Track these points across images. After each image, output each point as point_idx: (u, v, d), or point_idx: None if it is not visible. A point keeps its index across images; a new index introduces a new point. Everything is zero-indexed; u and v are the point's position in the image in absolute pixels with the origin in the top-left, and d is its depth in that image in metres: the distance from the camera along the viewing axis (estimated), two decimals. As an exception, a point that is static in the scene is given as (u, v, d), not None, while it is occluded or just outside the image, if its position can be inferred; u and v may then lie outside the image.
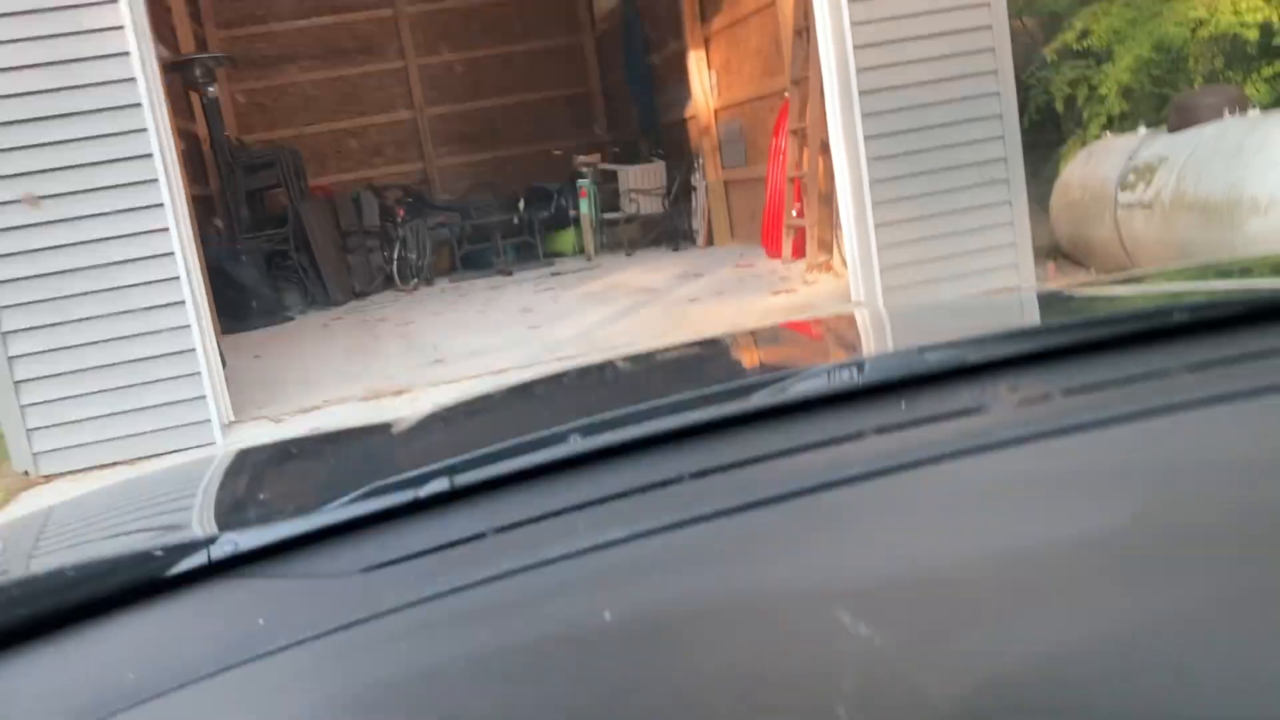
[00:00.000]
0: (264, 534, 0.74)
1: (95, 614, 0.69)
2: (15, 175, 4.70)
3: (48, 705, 0.63)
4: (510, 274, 9.52)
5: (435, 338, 6.76)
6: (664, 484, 0.73)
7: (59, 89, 4.69)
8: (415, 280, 9.57)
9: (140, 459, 4.74)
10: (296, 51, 11.33)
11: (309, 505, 0.79)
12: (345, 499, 0.76)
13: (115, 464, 4.75)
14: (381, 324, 7.78)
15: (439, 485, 0.77)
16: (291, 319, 8.70)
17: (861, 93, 5.47)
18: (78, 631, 0.69)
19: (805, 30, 6.72)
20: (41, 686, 0.65)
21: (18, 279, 4.72)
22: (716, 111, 9.47)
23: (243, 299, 8.40)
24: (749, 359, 1.37)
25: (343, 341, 7.24)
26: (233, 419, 5.05)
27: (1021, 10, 8.53)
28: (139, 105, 4.75)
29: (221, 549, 0.73)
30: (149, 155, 4.78)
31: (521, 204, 10.24)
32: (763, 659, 0.53)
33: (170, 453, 4.77)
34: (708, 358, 1.38)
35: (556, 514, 0.71)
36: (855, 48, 5.41)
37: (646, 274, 8.26)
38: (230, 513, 1.02)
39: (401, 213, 9.75)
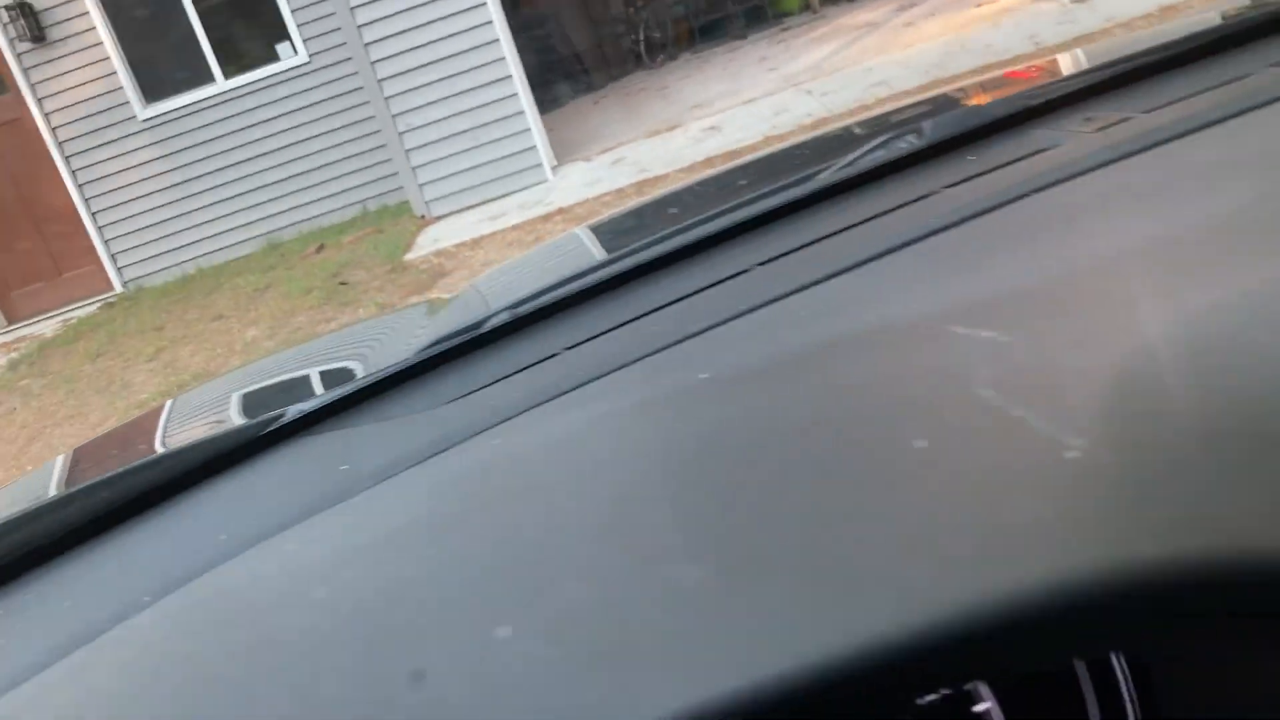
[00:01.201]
0: (328, 397, 0.75)
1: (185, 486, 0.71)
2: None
3: (159, 569, 0.62)
4: (745, 38, 10.62)
5: (689, 91, 8.12)
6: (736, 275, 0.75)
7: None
8: (661, 56, 10.87)
9: (497, 198, 6.47)
10: None
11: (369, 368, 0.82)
12: (411, 351, 0.79)
13: (480, 204, 6.51)
14: (641, 93, 9.19)
15: (497, 321, 0.77)
16: (563, 105, 10.26)
17: None
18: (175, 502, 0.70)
19: None
20: (148, 555, 0.65)
21: (405, 72, 6.42)
22: None
23: (524, 92, 10.03)
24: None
25: (614, 109, 8.73)
26: (555, 163, 6.69)
27: None
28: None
29: (290, 415, 0.74)
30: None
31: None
32: (899, 374, 0.54)
33: (517, 191, 6.47)
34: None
35: (622, 325, 0.72)
36: None
37: (868, 12, 9.18)
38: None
39: (641, -2, 10.99)
